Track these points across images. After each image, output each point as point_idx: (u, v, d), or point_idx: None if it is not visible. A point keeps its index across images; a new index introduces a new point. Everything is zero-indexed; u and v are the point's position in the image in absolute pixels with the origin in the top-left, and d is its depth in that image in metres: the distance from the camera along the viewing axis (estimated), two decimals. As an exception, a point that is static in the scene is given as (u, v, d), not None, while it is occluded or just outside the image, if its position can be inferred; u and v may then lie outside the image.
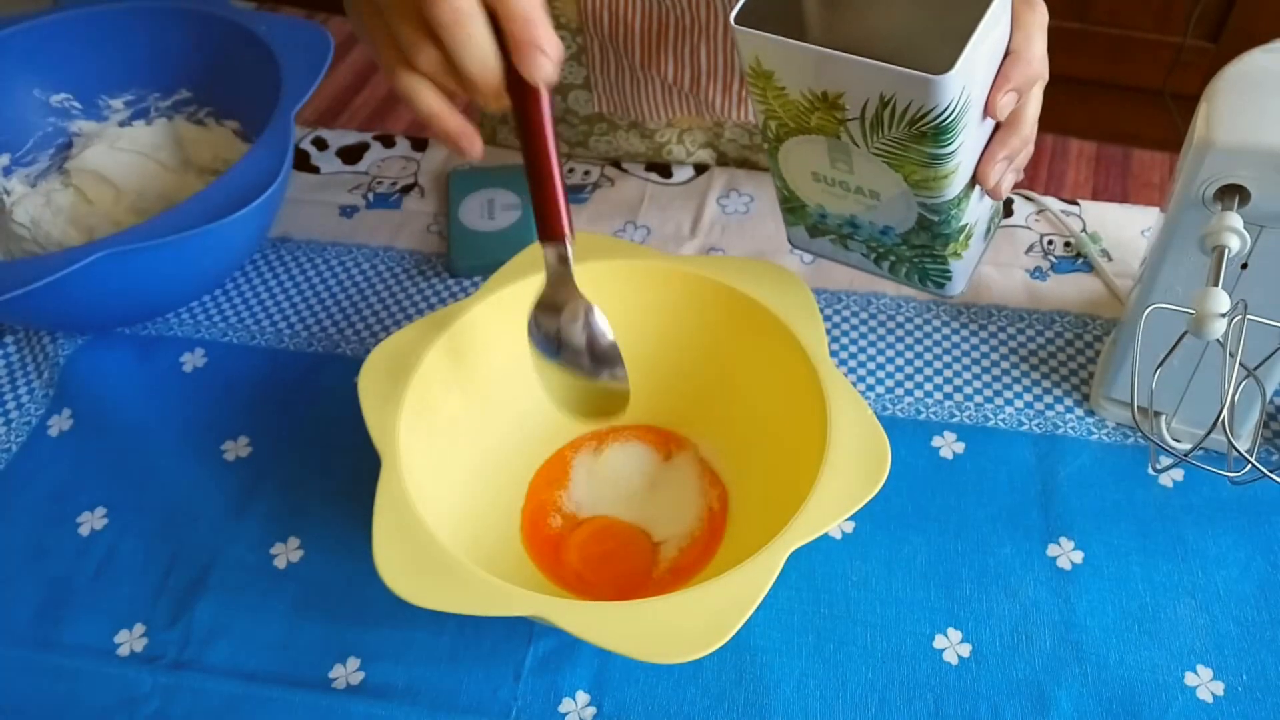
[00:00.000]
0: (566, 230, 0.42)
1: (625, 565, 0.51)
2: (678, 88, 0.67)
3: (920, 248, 0.47)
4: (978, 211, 0.47)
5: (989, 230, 0.51)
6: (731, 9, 0.41)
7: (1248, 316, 0.40)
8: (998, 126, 0.44)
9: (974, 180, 0.44)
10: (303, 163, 0.74)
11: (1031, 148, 0.45)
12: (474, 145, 0.41)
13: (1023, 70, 0.41)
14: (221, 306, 0.65)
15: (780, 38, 0.39)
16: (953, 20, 0.38)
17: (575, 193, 0.71)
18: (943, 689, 0.46)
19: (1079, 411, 0.56)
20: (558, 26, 0.65)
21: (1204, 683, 0.46)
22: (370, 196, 0.71)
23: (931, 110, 0.38)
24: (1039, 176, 1.73)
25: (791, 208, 0.50)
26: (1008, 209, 0.67)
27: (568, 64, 0.68)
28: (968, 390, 0.58)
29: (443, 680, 0.48)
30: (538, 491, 0.53)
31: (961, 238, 0.46)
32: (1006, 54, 0.41)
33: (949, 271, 0.48)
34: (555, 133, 0.41)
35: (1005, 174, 0.44)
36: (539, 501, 0.53)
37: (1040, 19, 0.42)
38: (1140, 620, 0.48)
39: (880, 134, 0.40)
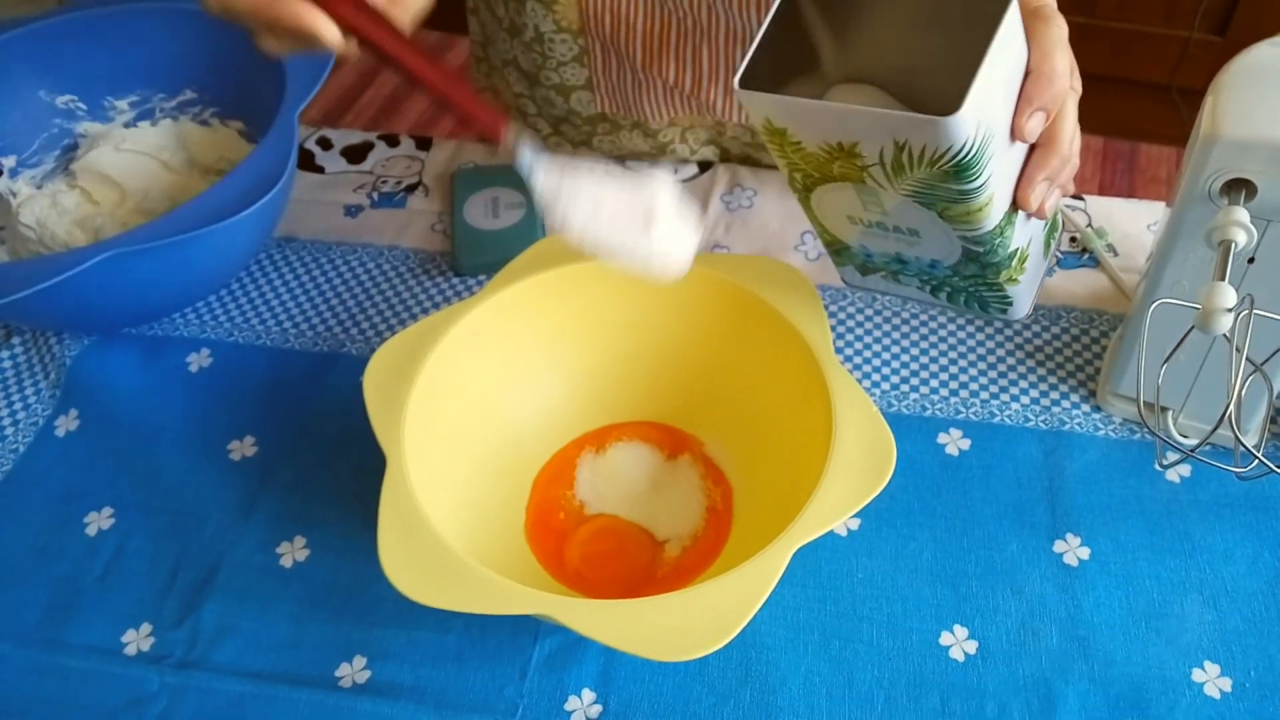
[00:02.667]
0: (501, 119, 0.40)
1: (627, 564, 0.51)
2: (679, 89, 0.67)
3: (973, 277, 0.45)
4: (1027, 233, 0.45)
5: (1048, 246, 0.49)
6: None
7: (1255, 311, 0.40)
8: (1033, 147, 0.42)
9: (1015, 206, 0.42)
10: (307, 162, 0.74)
11: (1076, 163, 0.43)
12: (327, 30, 0.39)
13: (1045, 88, 0.39)
14: (227, 306, 0.65)
15: (782, 97, 0.38)
16: (967, 38, 0.36)
17: (579, 191, 0.71)
18: (949, 686, 0.46)
19: (1085, 407, 0.56)
20: (559, 30, 0.65)
21: (1211, 679, 0.46)
22: (375, 196, 0.71)
23: (948, 151, 0.37)
24: (1045, 172, 1.72)
25: (836, 250, 0.49)
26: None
27: (570, 65, 0.68)
28: (973, 387, 0.58)
29: (449, 679, 0.48)
30: (541, 490, 0.53)
31: (1014, 263, 0.45)
32: (1027, 73, 0.39)
33: (1008, 297, 0.46)
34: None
35: (1048, 195, 0.42)
36: (543, 500, 0.53)
37: (1059, 33, 0.40)
38: (1147, 616, 0.48)
39: (904, 177, 0.39)
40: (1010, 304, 0.47)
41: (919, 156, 0.37)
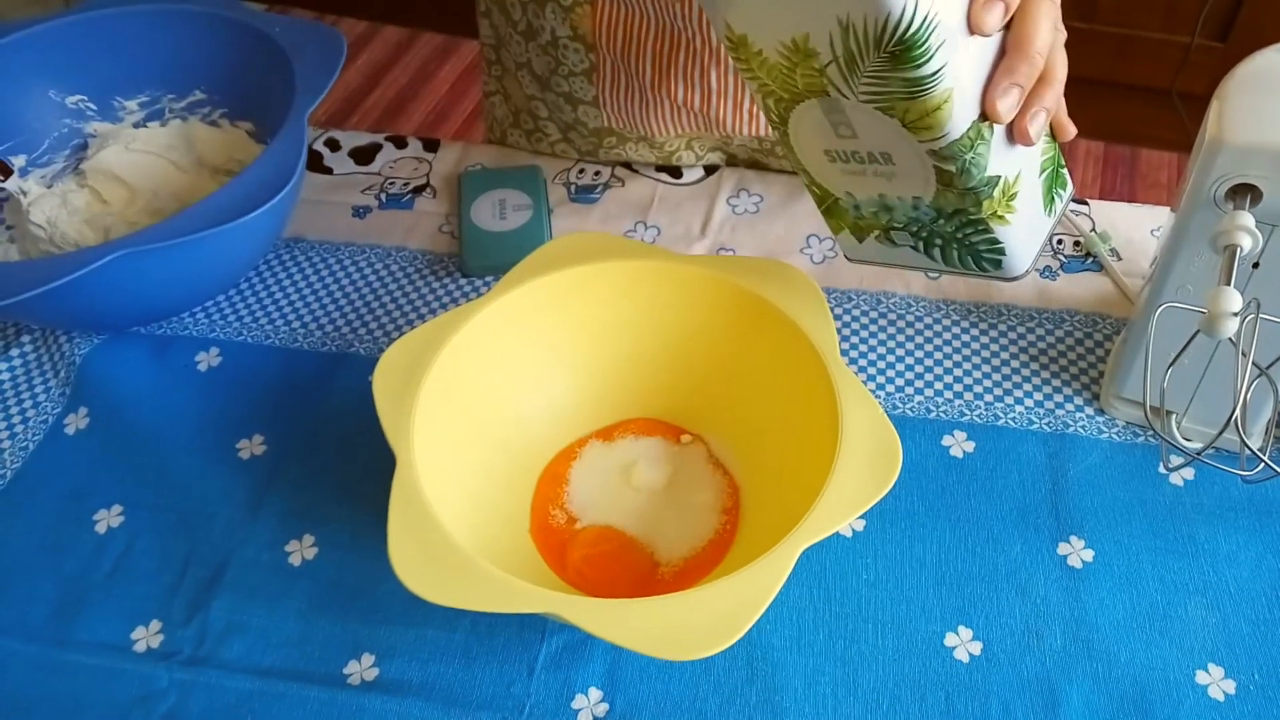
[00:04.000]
0: None
1: (630, 565, 0.51)
2: (688, 108, 0.67)
3: (957, 215, 0.44)
4: (1010, 162, 0.43)
5: (1050, 199, 0.46)
6: None
7: (1260, 316, 0.40)
8: (1003, 55, 0.40)
9: (986, 119, 0.40)
10: (316, 163, 0.74)
11: (1059, 84, 0.41)
12: None
13: None
14: (236, 306, 0.65)
15: None
16: None
17: (586, 193, 0.71)
18: (954, 687, 0.47)
19: (1089, 410, 0.56)
20: (574, 37, 0.66)
21: (1215, 681, 0.46)
22: (383, 197, 0.72)
23: (886, 21, 0.36)
24: (1047, 176, 1.72)
25: (827, 207, 0.48)
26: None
27: (579, 78, 0.68)
28: (978, 389, 0.58)
29: (457, 676, 0.48)
30: (547, 488, 0.54)
31: (996, 194, 0.43)
32: None
33: (998, 242, 0.44)
34: None
35: (1030, 111, 0.40)
36: (548, 499, 0.53)
37: None
38: (1151, 618, 0.48)
39: (858, 71, 0.39)
40: (1003, 253, 0.45)
41: (864, 37, 0.37)
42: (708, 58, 0.63)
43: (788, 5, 0.38)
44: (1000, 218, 0.43)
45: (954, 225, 0.45)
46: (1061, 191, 0.47)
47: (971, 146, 0.40)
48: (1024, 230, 0.45)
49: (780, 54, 0.40)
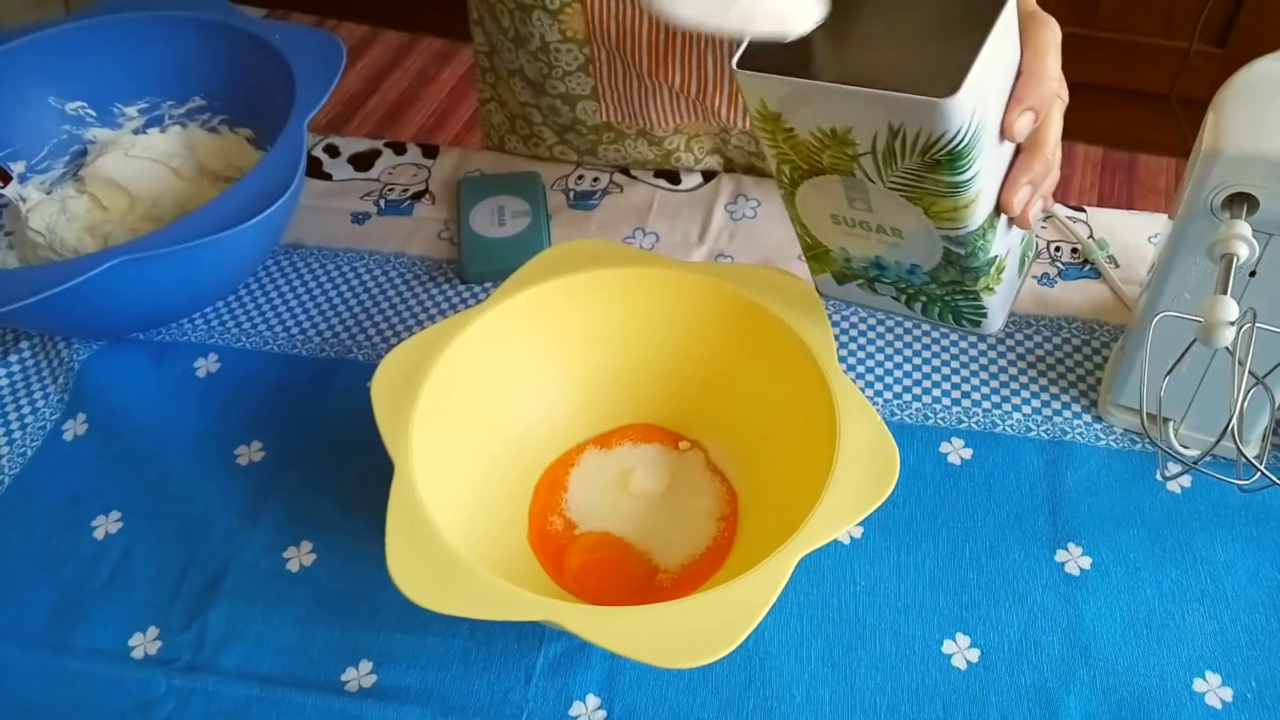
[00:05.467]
0: None
1: (628, 573, 0.51)
2: (685, 94, 0.67)
3: (950, 284, 0.46)
4: (1006, 242, 0.45)
5: (1023, 264, 0.50)
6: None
7: (1256, 325, 0.41)
8: (1018, 152, 0.42)
9: (998, 210, 0.43)
10: (315, 169, 0.74)
11: (1057, 173, 0.44)
12: None
13: (1036, 88, 0.40)
14: (235, 312, 0.65)
15: (782, 77, 0.39)
16: (959, 45, 0.37)
17: (585, 199, 0.71)
18: (951, 694, 0.47)
19: (1087, 418, 0.56)
20: (564, 40, 0.66)
21: (1212, 689, 0.46)
22: (382, 203, 0.72)
23: (942, 136, 0.37)
24: (1045, 182, 1.72)
25: (815, 254, 0.49)
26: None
27: (575, 75, 0.68)
28: (975, 396, 0.58)
29: (454, 683, 0.48)
30: (545, 495, 0.54)
31: (992, 271, 0.45)
32: (1018, 75, 0.40)
33: (983, 309, 0.47)
34: None
35: (1031, 201, 0.43)
36: (546, 505, 0.53)
37: (1053, 37, 0.41)
38: (1149, 626, 0.48)
39: (894, 167, 0.39)
40: (984, 316, 0.47)
41: (912, 143, 0.38)
42: (703, 45, 0.64)
43: (838, 102, 0.38)
44: (990, 289, 0.46)
45: (945, 291, 0.47)
46: (1029, 254, 0.51)
47: (983, 235, 0.43)
48: (1004, 296, 0.48)
49: (814, 136, 0.41)
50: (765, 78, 0.39)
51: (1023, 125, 0.40)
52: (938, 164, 0.38)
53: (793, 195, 0.45)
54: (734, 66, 0.40)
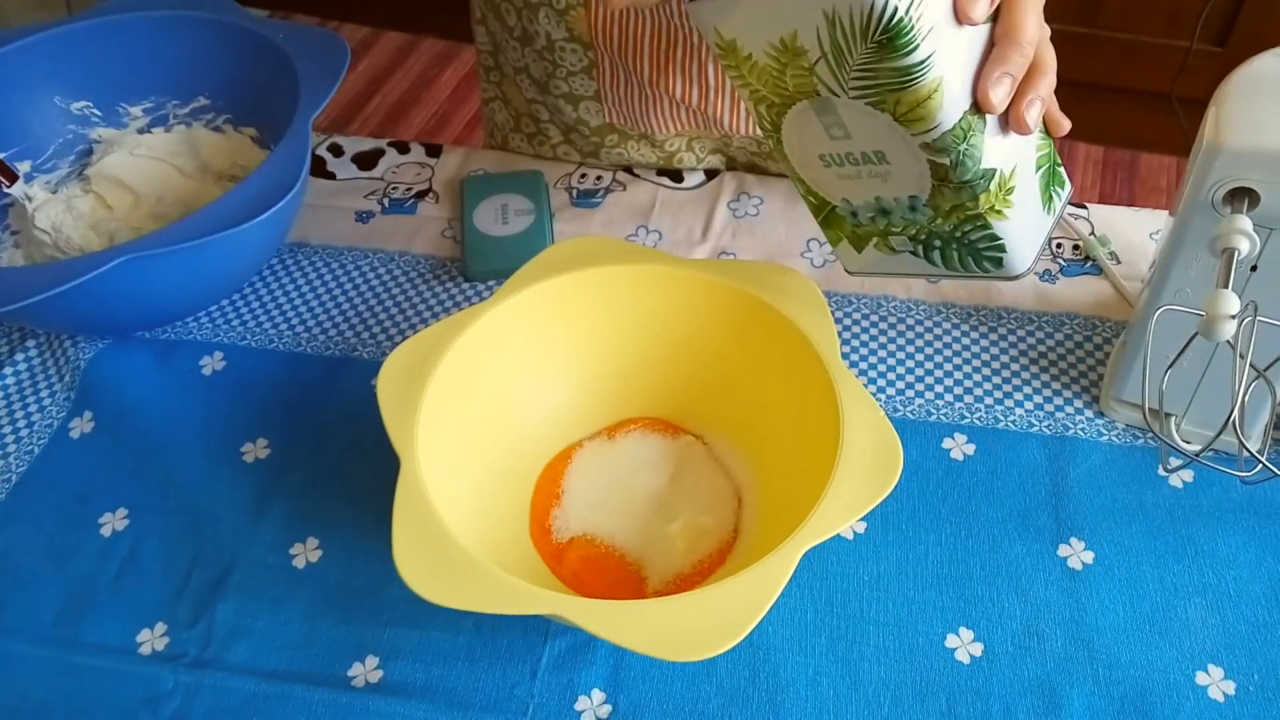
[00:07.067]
0: None
1: (625, 567, 0.51)
2: (686, 104, 0.68)
3: (954, 213, 0.44)
4: (1006, 154, 0.43)
5: (1047, 196, 0.46)
6: None
7: (1258, 318, 0.41)
8: (993, 46, 0.40)
9: (978, 109, 0.41)
10: (319, 169, 0.75)
11: (1052, 76, 0.41)
12: None
13: None
14: (240, 310, 0.66)
15: None
16: None
17: (588, 197, 0.71)
18: (955, 688, 0.47)
19: (1089, 413, 0.57)
20: (571, 39, 0.66)
21: (1215, 682, 0.46)
22: (386, 202, 0.72)
23: (873, 8, 0.36)
24: (1047, 180, 1.73)
25: (824, 217, 0.48)
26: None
27: (579, 76, 0.69)
28: (978, 392, 0.58)
29: (460, 678, 0.48)
30: (547, 490, 0.54)
31: (993, 187, 0.42)
32: None
33: (998, 239, 0.44)
34: None
35: (1025, 100, 0.40)
36: (548, 501, 0.53)
37: None
38: (1151, 620, 0.48)
39: (847, 65, 0.39)
40: (1003, 249, 0.44)
41: (851, 29, 0.37)
42: (705, 53, 0.64)
43: (774, 3, 0.39)
44: (998, 212, 0.43)
45: (952, 223, 0.44)
46: (1059, 190, 0.47)
47: (965, 138, 0.41)
48: (1023, 227, 0.45)
49: (769, 55, 0.41)
50: (712, 4, 0.40)
51: (979, 6, 0.38)
52: (882, 47, 0.37)
53: (780, 144, 0.45)
54: (686, 3, 0.40)
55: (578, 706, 0.47)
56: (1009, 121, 0.42)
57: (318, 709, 0.47)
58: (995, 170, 0.42)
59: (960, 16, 0.38)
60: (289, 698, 0.48)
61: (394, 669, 0.49)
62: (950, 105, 0.39)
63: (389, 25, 2.13)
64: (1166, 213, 0.64)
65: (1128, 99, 1.72)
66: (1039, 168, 0.46)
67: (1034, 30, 0.40)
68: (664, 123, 0.70)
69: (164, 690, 0.49)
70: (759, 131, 0.69)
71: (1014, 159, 0.43)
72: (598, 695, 0.47)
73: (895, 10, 0.36)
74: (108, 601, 0.52)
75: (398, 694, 0.48)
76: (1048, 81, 0.41)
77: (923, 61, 0.38)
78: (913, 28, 0.37)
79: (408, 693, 0.48)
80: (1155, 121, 1.73)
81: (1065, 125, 0.44)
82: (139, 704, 0.48)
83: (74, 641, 0.51)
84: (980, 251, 0.45)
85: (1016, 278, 0.46)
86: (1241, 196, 0.43)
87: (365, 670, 0.49)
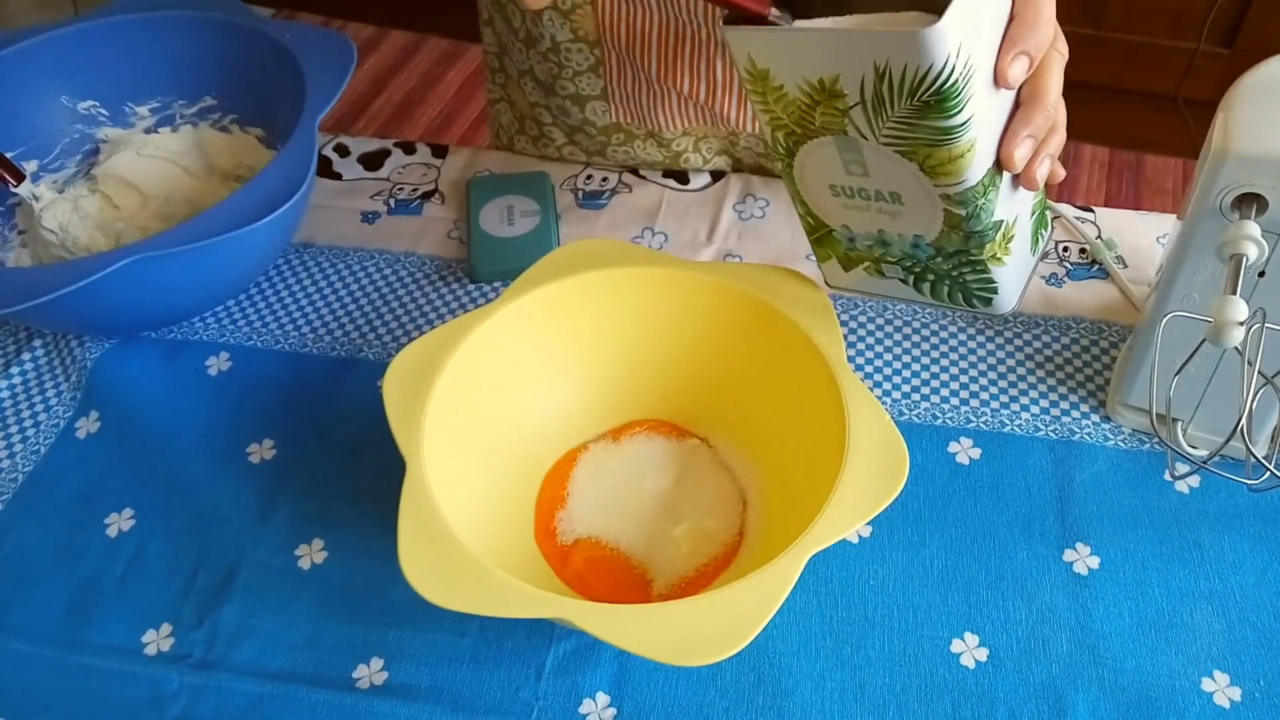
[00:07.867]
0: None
1: (631, 571, 0.51)
2: (693, 100, 0.68)
3: (955, 255, 0.45)
4: (1013, 207, 0.44)
5: (1036, 241, 0.48)
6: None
7: (1266, 325, 0.41)
8: (1019, 107, 0.42)
9: (999, 166, 0.42)
10: (325, 169, 0.75)
11: (1063, 134, 0.43)
12: None
13: (1030, 33, 0.39)
14: (246, 311, 0.66)
15: (765, 28, 0.39)
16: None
17: (593, 199, 0.71)
18: (960, 693, 0.47)
19: (1095, 417, 0.57)
20: (576, 39, 0.66)
21: (1221, 688, 0.46)
22: (392, 202, 0.72)
23: (928, 72, 0.36)
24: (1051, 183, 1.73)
25: (819, 237, 0.49)
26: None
27: (585, 75, 0.69)
28: (984, 396, 0.58)
29: (465, 681, 0.48)
30: (552, 492, 0.54)
31: (998, 237, 0.44)
32: (1010, 20, 0.39)
33: (992, 282, 0.46)
34: None
35: (1039, 159, 0.41)
36: (554, 503, 0.53)
37: None
38: (1157, 625, 0.48)
39: (885, 116, 0.39)
40: (995, 291, 0.46)
41: (899, 84, 0.37)
42: (713, 50, 0.64)
43: (822, 46, 0.38)
44: (998, 259, 0.45)
45: (951, 264, 0.46)
46: (1044, 232, 0.49)
47: (984, 193, 0.42)
48: (1014, 270, 0.46)
49: (803, 91, 0.40)
50: (752, 30, 0.39)
51: (1017, 70, 0.39)
52: (927, 107, 0.38)
53: (790, 168, 0.45)
54: (721, 24, 0.40)
55: (582, 710, 0.47)
56: (1019, 178, 0.43)
57: (322, 710, 0.48)
58: (1003, 221, 0.44)
59: (999, 81, 0.39)
60: (294, 699, 0.48)
61: (399, 671, 0.49)
62: (979, 164, 0.40)
63: (394, 24, 2.13)
64: (1174, 216, 0.64)
65: (1133, 100, 1.72)
66: (1033, 214, 0.47)
67: (1057, 92, 0.41)
68: (671, 119, 0.70)
69: (169, 691, 0.49)
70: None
71: (1017, 210, 0.45)
72: (602, 698, 0.47)
73: (951, 75, 0.37)
74: (113, 602, 0.52)
75: (402, 696, 0.48)
76: (1058, 139, 0.43)
77: (963, 124, 0.38)
78: (960, 92, 0.37)
79: (412, 695, 0.48)
80: (1161, 123, 1.72)
81: (1061, 175, 0.45)
82: (144, 705, 0.48)
83: (79, 642, 0.51)
84: (973, 291, 0.47)
85: (1001, 315, 0.48)
86: (1250, 202, 0.43)
87: (370, 672, 0.49)
